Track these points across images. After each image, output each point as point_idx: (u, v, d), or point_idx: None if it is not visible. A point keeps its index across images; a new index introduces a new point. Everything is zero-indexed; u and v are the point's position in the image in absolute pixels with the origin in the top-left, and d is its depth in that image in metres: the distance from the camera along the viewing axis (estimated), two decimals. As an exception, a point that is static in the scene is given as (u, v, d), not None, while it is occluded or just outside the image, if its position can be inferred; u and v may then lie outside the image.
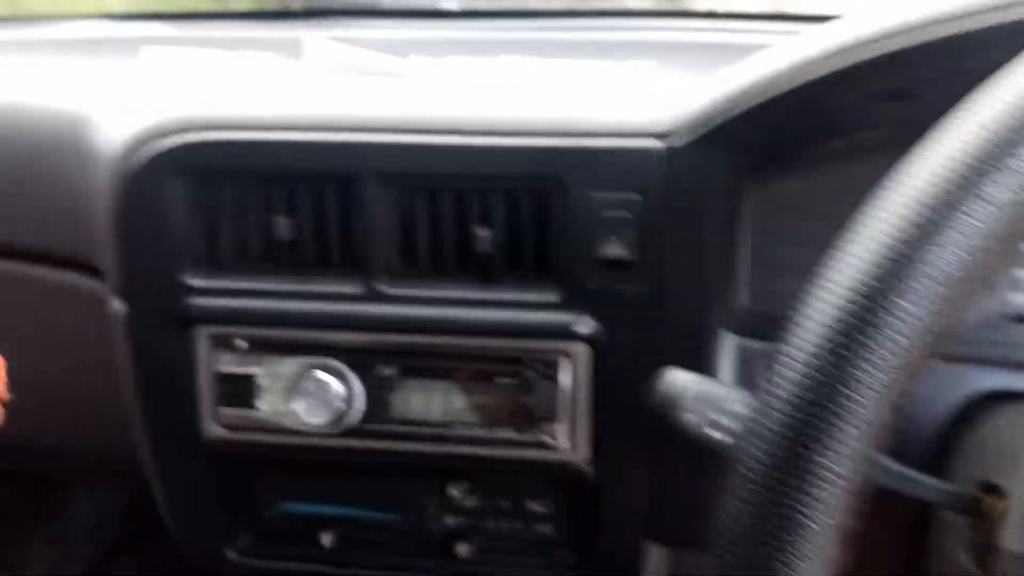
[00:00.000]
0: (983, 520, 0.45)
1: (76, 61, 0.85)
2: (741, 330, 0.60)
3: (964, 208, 0.27)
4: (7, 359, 0.64)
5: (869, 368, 0.28)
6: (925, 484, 0.44)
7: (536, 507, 0.66)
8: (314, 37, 0.75)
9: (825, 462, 0.27)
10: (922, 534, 0.57)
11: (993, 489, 0.46)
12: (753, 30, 0.88)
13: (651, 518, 0.62)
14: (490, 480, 0.65)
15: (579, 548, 0.66)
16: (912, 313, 0.27)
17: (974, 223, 0.27)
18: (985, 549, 0.46)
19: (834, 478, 0.27)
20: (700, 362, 0.58)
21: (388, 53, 0.90)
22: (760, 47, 0.85)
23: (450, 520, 0.67)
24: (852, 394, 0.27)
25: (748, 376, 0.60)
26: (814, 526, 0.28)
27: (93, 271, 0.66)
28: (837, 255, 0.30)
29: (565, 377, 0.59)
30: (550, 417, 0.60)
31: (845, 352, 0.28)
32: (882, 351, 0.27)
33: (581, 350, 0.59)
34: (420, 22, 0.97)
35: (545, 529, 0.66)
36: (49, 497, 1.09)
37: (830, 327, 0.29)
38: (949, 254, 0.27)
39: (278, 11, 1.03)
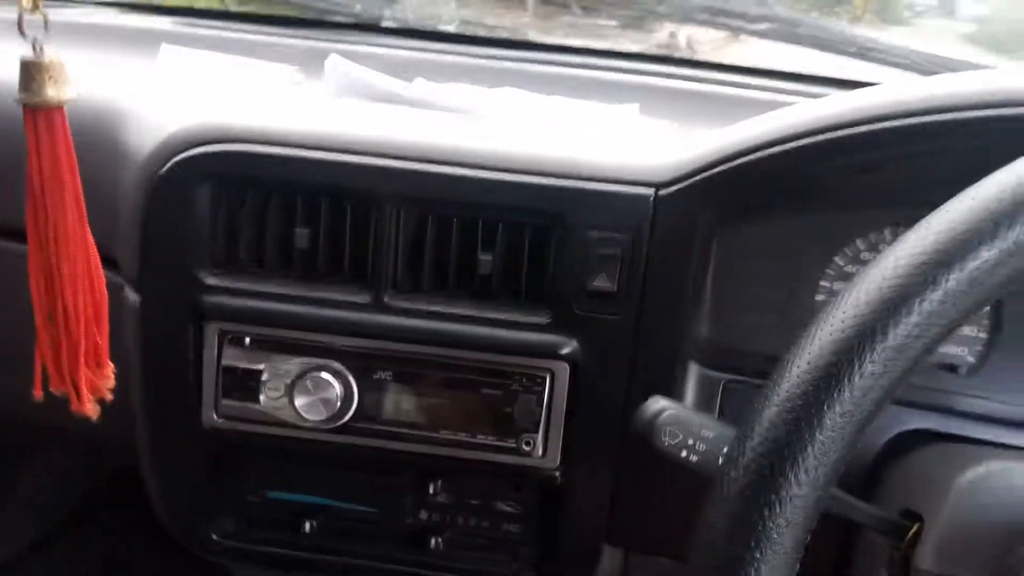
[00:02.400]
0: (903, 542, 0.52)
1: (98, 52, 0.87)
2: (703, 360, 0.67)
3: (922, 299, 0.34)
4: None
5: (831, 415, 0.35)
6: (860, 509, 0.51)
7: (505, 507, 0.72)
8: (332, 56, 0.79)
9: (791, 487, 0.34)
10: (847, 553, 0.64)
11: (913, 515, 0.53)
12: (732, 83, 0.96)
13: (611, 523, 0.69)
14: (465, 480, 0.71)
15: (542, 547, 0.72)
16: (867, 383, 0.35)
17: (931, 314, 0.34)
18: (903, 568, 0.52)
19: (798, 501, 0.34)
20: (668, 387, 0.65)
21: (390, 73, 0.95)
22: (737, 99, 0.93)
23: (425, 515, 0.72)
24: (817, 433, 0.35)
25: (708, 401, 0.67)
26: (778, 541, 0.34)
27: (109, 260, 0.69)
28: (814, 325, 0.37)
29: (546, 392, 0.65)
30: (529, 427, 0.66)
31: (813, 400, 0.35)
32: (842, 406, 0.35)
33: (563, 368, 0.65)
34: (420, 42, 1.02)
35: (512, 528, 0.72)
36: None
37: (802, 382, 0.36)
38: (901, 340, 0.34)
39: (281, 16, 1.07)
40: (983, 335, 0.65)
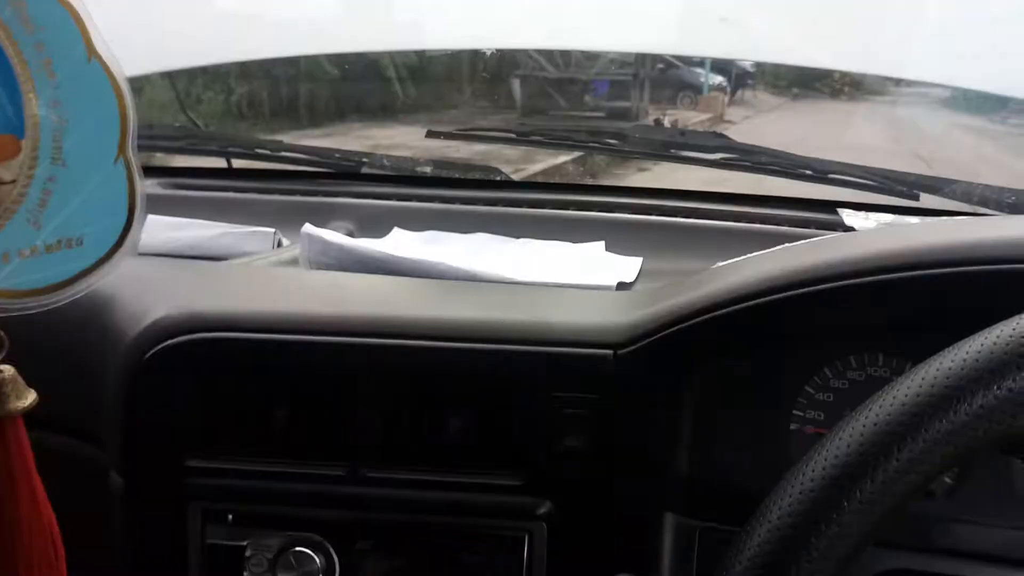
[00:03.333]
0: None
1: None
2: (679, 508, 0.68)
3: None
4: None
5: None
6: None
7: None
8: (306, 225, 0.83)
9: None
10: None
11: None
12: (693, 211, 1.00)
13: None
14: None
15: None
16: (830, 544, 0.37)
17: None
18: None
19: None
20: (644, 540, 0.66)
21: (370, 221, 0.99)
22: (699, 229, 0.97)
23: None
24: None
25: (685, 549, 0.68)
26: None
27: (95, 440, 0.72)
28: (780, 485, 0.39)
29: (526, 552, 0.66)
30: None
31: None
32: (809, 563, 0.37)
33: (540, 528, 0.66)
34: (397, 188, 1.07)
35: None
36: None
37: (763, 548, 0.38)
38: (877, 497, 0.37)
39: (261, 171, 1.12)
40: None
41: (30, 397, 0.43)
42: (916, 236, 0.61)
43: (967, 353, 0.39)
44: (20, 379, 0.44)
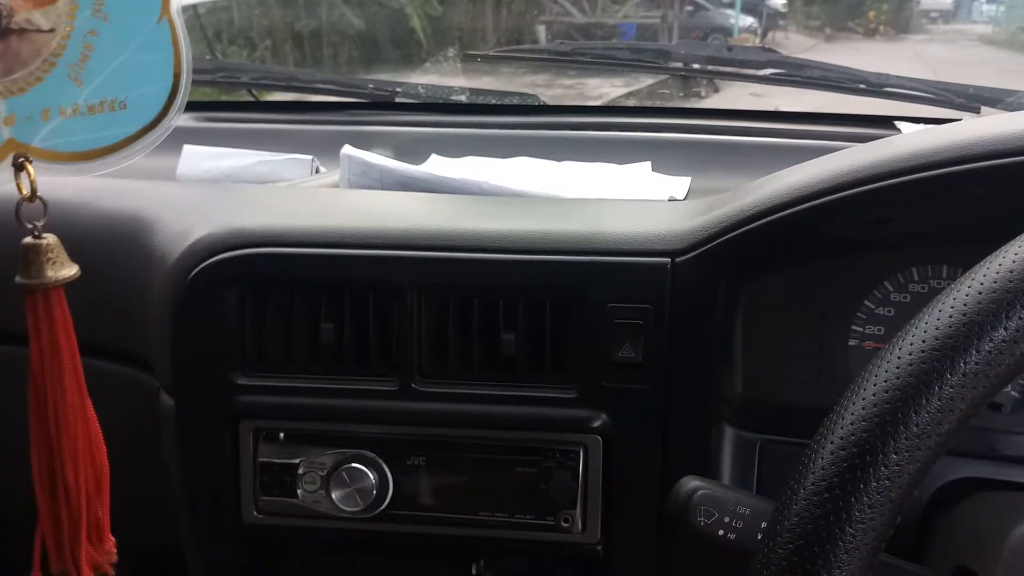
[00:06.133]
0: (959, 605, 0.51)
1: None
2: (737, 421, 0.66)
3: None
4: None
5: (870, 489, 0.34)
6: (910, 573, 0.49)
7: None
8: (345, 147, 0.81)
9: (832, 564, 0.34)
10: None
11: (968, 573, 0.52)
12: (742, 129, 0.96)
13: None
14: (508, 560, 0.70)
15: None
16: (904, 455, 0.34)
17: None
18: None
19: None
20: (704, 453, 0.64)
21: (406, 148, 0.97)
22: (748, 147, 0.93)
23: None
24: (854, 507, 0.34)
25: (745, 464, 0.66)
26: None
27: (144, 364, 0.71)
28: (848, 391, 0.37)
29: (580, 466, 0.65)
30: (566, 502, 0.65)
31: (850, 476, 0.34)
32: (879, 479, 0.34)
33: (595, 442, 0.65)
34: (433, 116, 1.04)
35: None
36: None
37: (837, 457, 0.36)
38: (941, 405, 0.34)
39: (294, 103, 1.10)
40: None
41: (72, 269, 0.42)
42: (976, 129, 0.58)
43: None
44: (63, 250, 0.43)
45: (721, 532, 0.48)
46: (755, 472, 0.65)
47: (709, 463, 0.64)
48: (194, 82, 0.38)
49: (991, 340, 0.35)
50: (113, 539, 0.50)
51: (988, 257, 0.38)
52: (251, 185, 0.85)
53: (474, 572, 0.71)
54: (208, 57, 1.15)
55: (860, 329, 0.65)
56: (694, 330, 0.63)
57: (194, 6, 1.14)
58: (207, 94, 1.15)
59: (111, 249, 0.72)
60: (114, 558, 0.51)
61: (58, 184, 0.75)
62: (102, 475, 0.50)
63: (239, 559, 0.72)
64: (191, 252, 0.66)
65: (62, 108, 0.34)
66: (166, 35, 0.34)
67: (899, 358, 0.36)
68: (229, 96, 1.18)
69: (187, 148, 0.88)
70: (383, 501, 0.66)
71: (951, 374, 0.35)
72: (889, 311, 0.65)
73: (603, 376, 0.64)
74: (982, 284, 0.36)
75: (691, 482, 0.50)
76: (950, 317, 0.36)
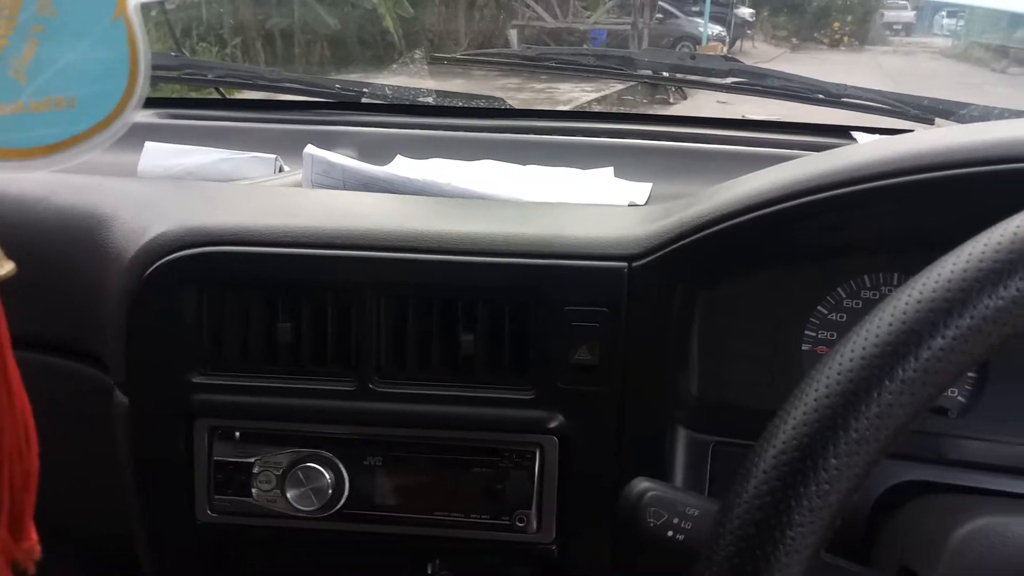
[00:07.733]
0: (901, 604, 0.52)
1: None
2: (690, 423, 0.67)
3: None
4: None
5: (815, 487, 0.35)
6: (853, 572, 0.51)
7: None
8: (308, 146, 0.81)
9: (774, 564, 0.35)
10: None
11: (910, 575, 0.53)
12: (704, 137, 0.97)
13: None
14: (463, 559, 0.71)
15: None
16: (849, 453, 0.35)
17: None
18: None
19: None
20: (658, 454, 0.65)
21: (372, 150, 0.97)
22: (708, 153, 0.95)
23: None
24: (795, 510, 0.35)
25: (698, 465, 0.67)
26: None
27: (98, 361, 0.70)
28: (797, 392, 0.38)
29: (536, 467, 0.66)
30: (522, 502, 0.66)
31: (790, 480, 0.35)
32: (826, 475, 0.35)
33: (551, 443, 0.65)
34: (399, 117, 1.04)
35: None
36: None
37: (782, 457, 0.36)
38: (884, 408, 0.35)
39: (260, 101, 1.09)
40: (972, 374, 0.65)
41: (7, 267, 0.41)
42: (928, 140, 0.59)
43: (1017, 228, 0.37)
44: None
45: (670, 533, 0.49)
46: (707, 473, 0.67)
47: (663, 464, 0.66)
48: (158, 78, 0.37)
49: (929, 348, 0.36)
50: (36, 536, 0.49)
51: (928, 267, 0.39)
52: (212, 183, 0.84)
53: (429, 571, 0.71)
54: (174, 54, 1.13)
55: (813, 334, 0.67)
56: (650, 333, 0.64)
57: (160, 2, 1.13)
58: (174, 91, 1.14)
59: (68, 245, 0.71)
60: (36, 554, 0.50)
61: (15, 179, 0.75)
62: (31, 471, 0.49)
63: (192, 558, 0.71)
64: (148, 249, 0.66)
65: (2, 104, 0.34)
66: (121, 33, 0.34)
67: (840, 364, 0.37)
68: (196, 93, 1.17)
69: (149, 145, 0.87)
70: (339, 501, 0.66)
71: (890, 381, 0.36)
72: (842, 316, 0.66)
73: (560, 378, 0.65)
74: (921, 293, 0.37)
75: (641, 483, 0.51)
76: (890, 325, 0.37)
